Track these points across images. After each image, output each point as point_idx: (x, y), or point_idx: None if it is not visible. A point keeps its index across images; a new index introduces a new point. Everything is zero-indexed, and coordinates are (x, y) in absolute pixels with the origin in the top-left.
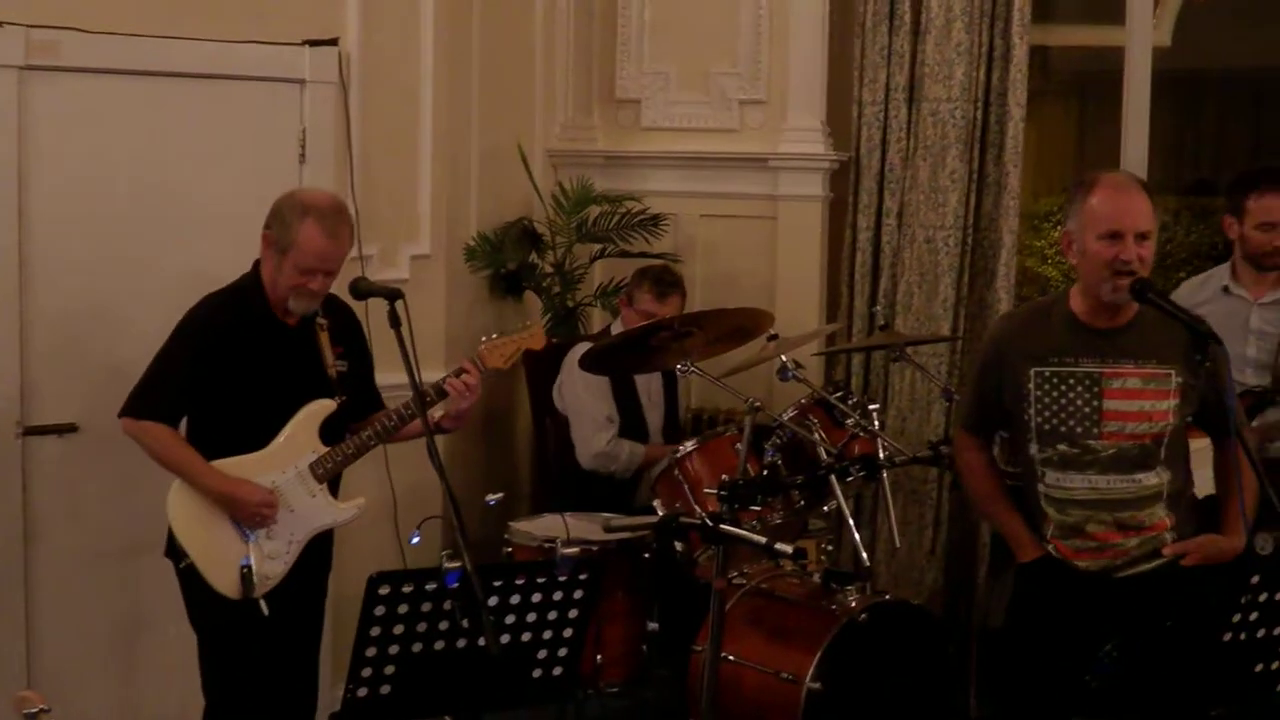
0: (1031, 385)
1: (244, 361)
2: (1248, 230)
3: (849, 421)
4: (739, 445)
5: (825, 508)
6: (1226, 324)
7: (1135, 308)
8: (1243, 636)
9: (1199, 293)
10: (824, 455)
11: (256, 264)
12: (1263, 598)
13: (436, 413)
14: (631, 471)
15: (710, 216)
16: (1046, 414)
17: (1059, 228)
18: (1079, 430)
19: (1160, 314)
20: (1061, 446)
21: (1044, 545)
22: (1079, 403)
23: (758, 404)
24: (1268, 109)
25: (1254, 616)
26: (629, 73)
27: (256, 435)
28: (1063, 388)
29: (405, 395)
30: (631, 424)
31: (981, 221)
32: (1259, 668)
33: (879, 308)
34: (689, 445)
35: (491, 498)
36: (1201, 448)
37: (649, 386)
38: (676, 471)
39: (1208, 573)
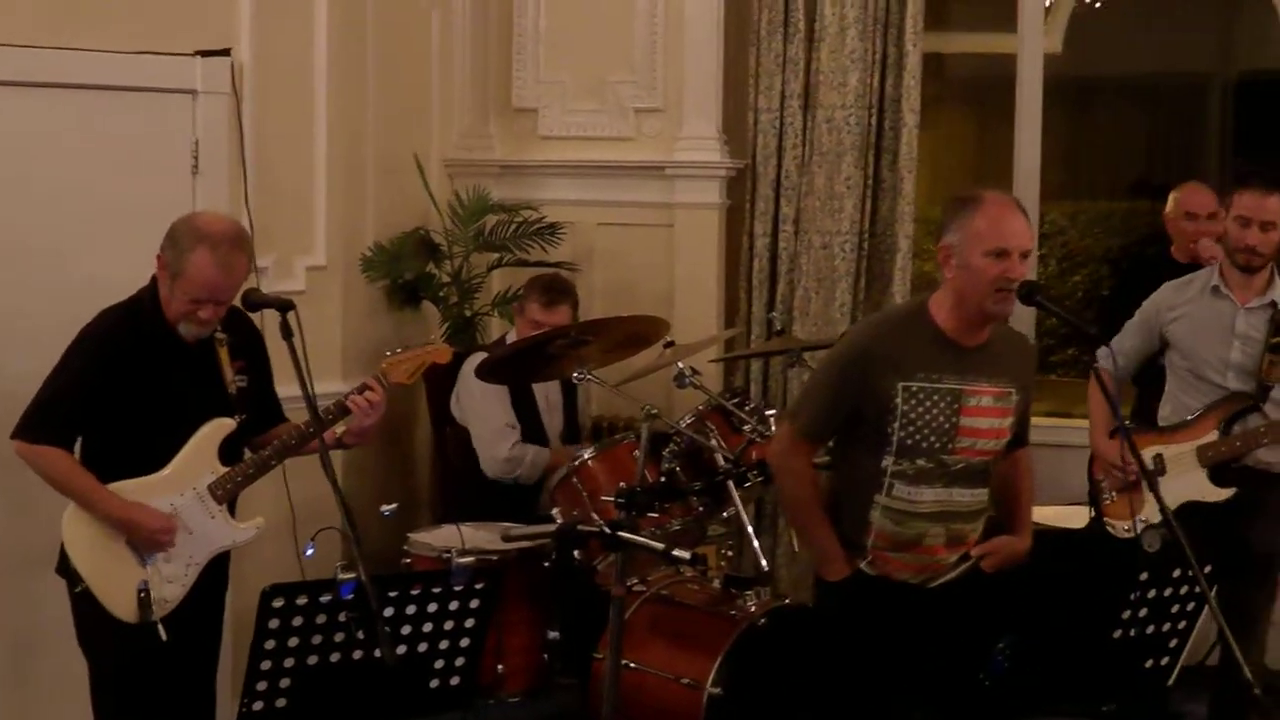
0: (899, 400)
1: (142, 380)
2: (1229, 224)
3: (746, 427)
4: (637, 452)
5: (725, 514)
6: (1211, 326)
7: (989, 329)
8: (1132, 633)
9: (1184, 292)
10: (721, 461)
11: (154, 280)
12: (1151, 595)
13: (339, 429)
14: (537, 475)
15: (608, 225)
16: (910, 429)
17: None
18: (936, 445)
19: (1004, 335)
20: (919, 461)
21: (856, 561)
22: (940, 419)
23: (654, 411)
24: (1161, 113)
25: (1143, 613)
26: (525, 82)
27: (154, 455)
28: (927, 403)
29: (301, 407)
30: (531, 430)
31: (877, 227)
32: (1149, 663)
33: (776, 313)
34: (587, 453)
35: (386, 508)
36: (1185, 453)
37: (546, 392)
38: (575, 479)
39: (1006, 577)
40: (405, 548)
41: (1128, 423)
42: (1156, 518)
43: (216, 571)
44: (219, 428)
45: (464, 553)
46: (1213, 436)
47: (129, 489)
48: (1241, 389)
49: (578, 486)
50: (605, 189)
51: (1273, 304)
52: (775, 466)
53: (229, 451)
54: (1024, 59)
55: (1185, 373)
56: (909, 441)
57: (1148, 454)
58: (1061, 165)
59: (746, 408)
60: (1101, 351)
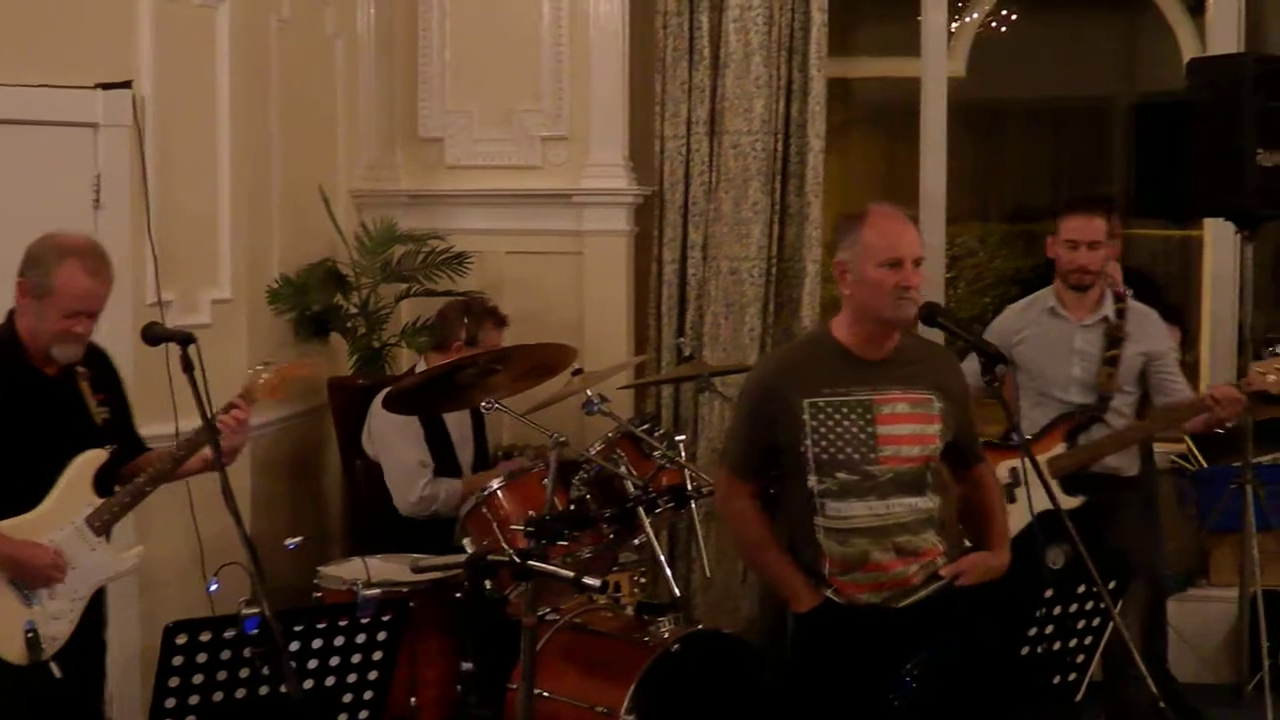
0: (806, 416)
1: (6, 417)
2: (1058, 248)
3: (656, 453)
4: (546, 480)
5: (636, 540)
6: (1052, 345)
7: (896, 340)
8: (1040, 650)
9: (1025, 315)
10: (631, 488)
11: (10, 315)
12: (1057, 611)
13: (208, 451)
14: (453, 507)
15: (516, 253)
16: (823, 444)
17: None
18: (856, 457)
19: (918, 345)
20: (841, 474)
21: (822, 590)
22: (854, 430)
23: (562, 439)
24: (1067, 136)
25: (1049, 630)
26: (432, 111)
27: (25, 493)
28: (837, 416)
29: (172, 444)
30: (444, 462)
31: (785, 252)
32: (1057, 679)
33: (683, 339)
34: (496, 482)
35: (291, 541)
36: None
37: (460, 423)
38: (485, 509)
39: (981, 591)
40: (315, 581)
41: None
42: (1015, 531)
43: (96, 607)
44: (92, 459)
45: (370, 585)
46: (1061, 449)
47: (9, 528)
48: (1084, 402)
49: (488, 516)
50: (513, 218)
51: (1105, 319)
52: (720, 513)
53: (101, 483)
54: (928, 83)
55: (1033, 391)
56: (824, 456)
57: (1003, 467)
58: (970, 188)
59: (656, 434)
60: (1000, 369)
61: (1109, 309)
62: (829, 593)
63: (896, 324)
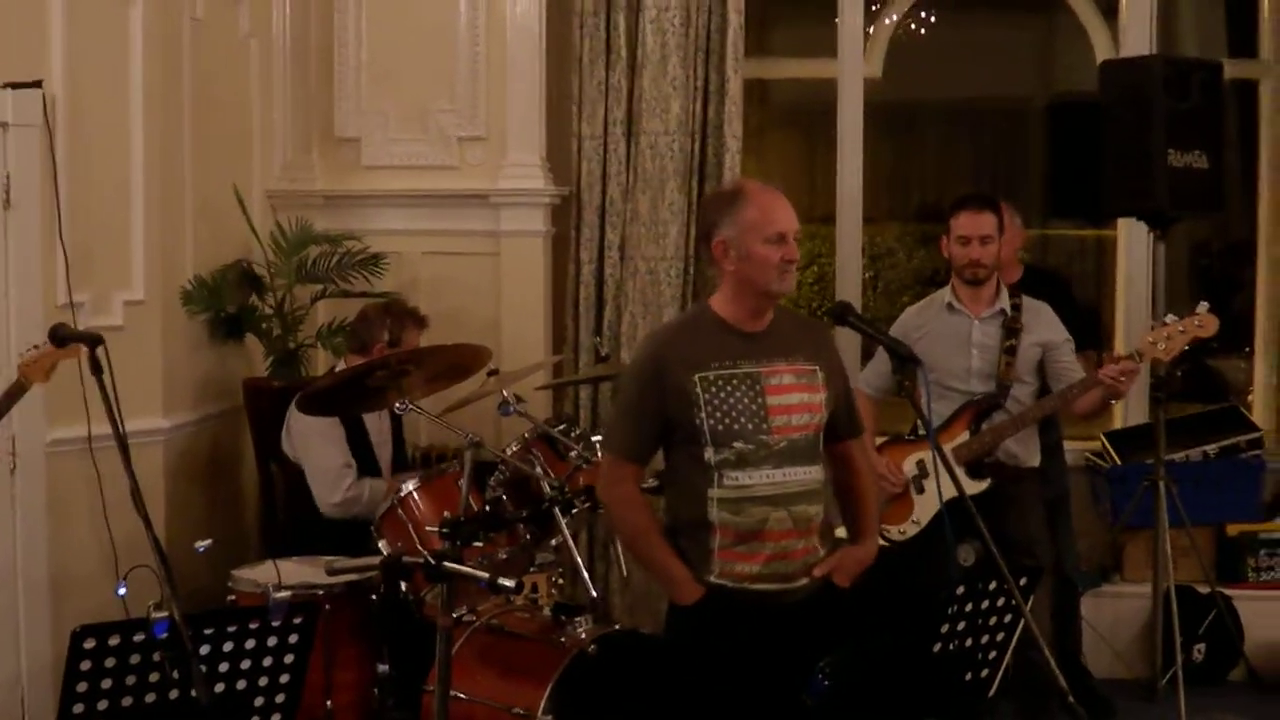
0: (698, 390)
1: None
2: (951, 246)
3: (572, 454)
4: (461, 482)
5: (553, 542)
6: (951, 339)
7: (771, 314)
8: (951, 646)
9: (923, 314)
10: (547, 489)
11: None
12: (969, 608)
13: None
14: (375, 508)
15: (433, 254)
16: (718, 415)
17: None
18: (750, 427)
19: (791, 318)
20: (738, 444)
21: (704, 580)
22: (745, 401)
23: (476, 439)
24: (984, 136)
25: (961, 626)
26: (347, 111)
27: None
28: (728, 389)
29: (110, 446)
30: (365, 463)
31: (702, 253)
32: (969, 676)
33: (600, 339)
34: (411, 484)
35: (200, 544)
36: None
37: (379, 424)
38: (400, 511)
39: (875, 586)
40: (229, 584)
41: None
42: (925, 520)
43: None
44: None
45: (282, 588)
46: (964, 437)
47: None
48: (986, 390)
49: (403, 518)
50: (430, 218)
51: (1002, 312)
52: (604, 499)
53: None
54: (844, 84)
55: (934, 385)
56: (720, 428)
57: (911, 460)
58: (888, 188)
59: (573, 434)
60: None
61: (1004, 303)
62: (712, 576)
63: (780, 296)
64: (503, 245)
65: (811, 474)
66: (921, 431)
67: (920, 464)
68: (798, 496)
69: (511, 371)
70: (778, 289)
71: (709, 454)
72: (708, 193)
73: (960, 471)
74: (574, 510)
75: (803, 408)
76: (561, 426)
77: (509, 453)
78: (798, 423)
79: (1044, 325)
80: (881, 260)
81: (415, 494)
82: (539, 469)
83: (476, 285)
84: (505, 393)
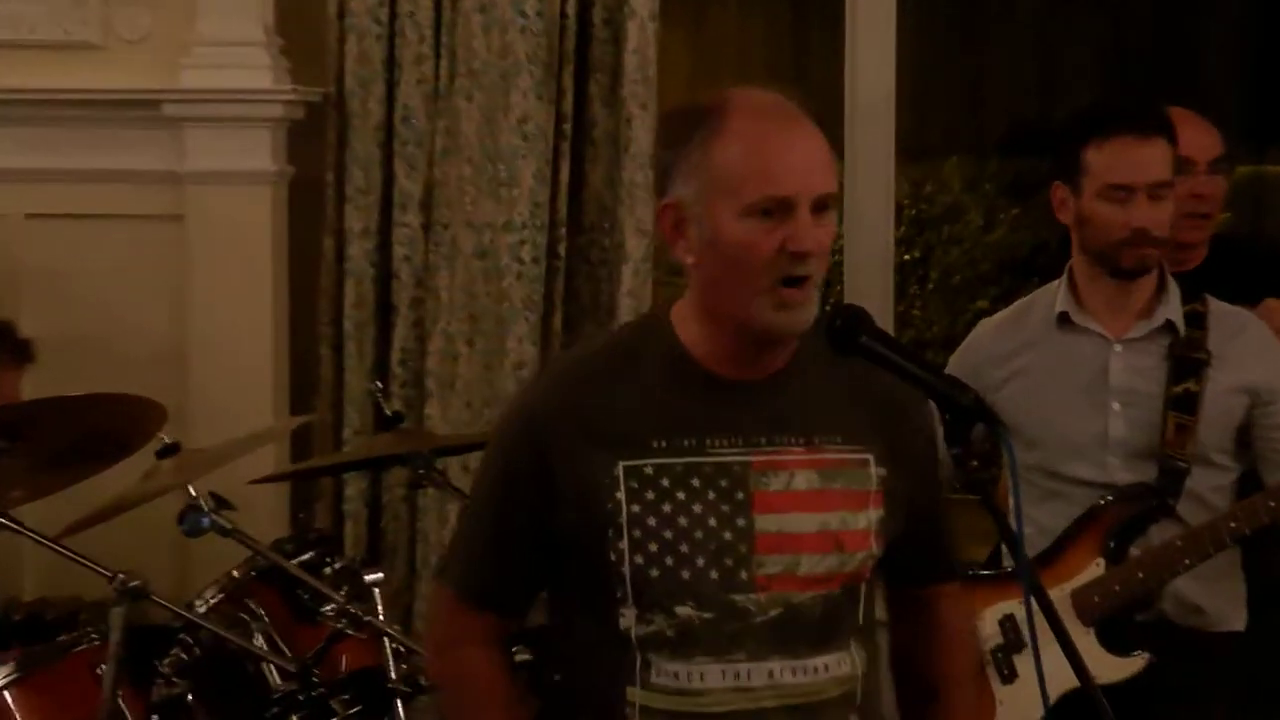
0: (620, 495)
1: None
2: (1088, 203)
3: (328, 609)
4: (102, 668)
5: None
6: (1068, 382)
7: (786, 349)
8: None
9: (1015, 333)
10: (276, 678)
11: None
12: None
13: None
14: None
15: (45, 218)
16: (651, 547)
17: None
18: (714, 575)
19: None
20: (684, 610)
21: None
22: (711, 521)
23: (137, 584)
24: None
25: None
26: None
27: None
28: (680, 496)
29: None
30: None
31: (585, 211)
32: None
33: (379, 385)
34: (3, 673)
35: None
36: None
37: None
38: None
39: None
40: None
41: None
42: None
43: None
44: None
45: None
46: (1095, 571)
47: None
48: (1134, 480)
49: None
50: (44, 146)
51: (1169, 328)
52: (431, 669)
53: None
54: None
55: (1034, 471)
56: (652, 573)
57: (991, 616)
58: (946, 96)
59: (330, 568)
60: (980, 431)
61: (1173, 311)
62: None
63: (777, 334)
64: (188, 202)
65: (827, 669)
66: (1008, 563)
67: (1007, 624)
68: (799, 712)
69: (206, 450)
70: (771, 322)
71: (627, 620)
72: (666, 109)
73: (1087, 637)
74: None
75: (825, 540)
76: (308, 555)
77: (201, 609)
78: (809, 570)
79: (1253, 353)
80: (933, 228)
81: (8, 695)
82: (263, 641)
83: (137, 280)
84: (193, 490)
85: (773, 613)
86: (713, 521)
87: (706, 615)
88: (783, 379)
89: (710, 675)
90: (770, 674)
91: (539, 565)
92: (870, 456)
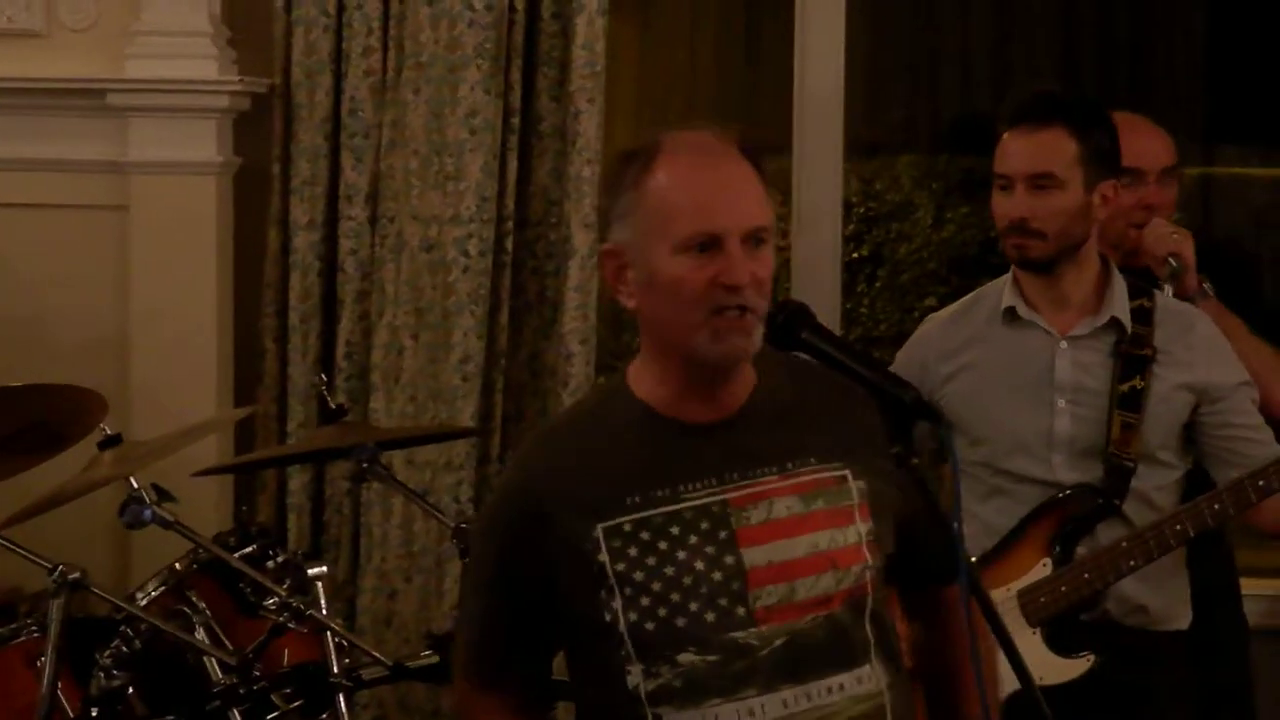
0: (604, 556)
1: None
2: (992, 196)
3: (270, 602)
4: (42, 660)
5: None
6: (1015, 378)
7: (744, 383)
8: None
9: (960, 328)
10: (217, 671)
11: None
12: None
13: None
14: None
15: None
16: (643, 602)
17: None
18: (710, 618)
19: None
20: (686, 657)
21: None
22: (699, 565)
23: (75, 576)
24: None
25: None
26: None
27: None
28: (662, 546)
29: None
30: None
31: (531, 207)
32: None
33: (323, 378)
34: None
35: None
36: (1000, 606)
37: None
38: None
39: None
40: None
41: None
42: None
43: None
44: None
45: None
46: (1042, 572)
47: None
48: (1079, 480)
49: None
50: None
51: (1115, 324)
52: None
53: None
54: None
55: (979, 467)
56: (649, 626)
57: None
58: (896, 90)
59: (273, 561)
60: (922, 428)
61: (1118, 308)
62: None
63: (719, 364)
64: (132, 193)
65: (845, 689)
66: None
67: None
68: None
69: (148, 441)
70: (709, 352)
71: (635, 677)
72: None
73: (1033, 638)
74: (273, 715)
75: (817, 560)
76: (250, 548)
77: (142, 602)
78: (806, 594)
79: (1200, 351)
80: (882, 224)
81: None
82: (203, 634)
83: (80, 271)
84: (134, 482)
85: (777, 643)
86: (700, 565)
87: (711, 658)
88: (748, 412)
89: (725, 716)
90: (784, 704)
91: (543, 634)
92: (847, 472)
